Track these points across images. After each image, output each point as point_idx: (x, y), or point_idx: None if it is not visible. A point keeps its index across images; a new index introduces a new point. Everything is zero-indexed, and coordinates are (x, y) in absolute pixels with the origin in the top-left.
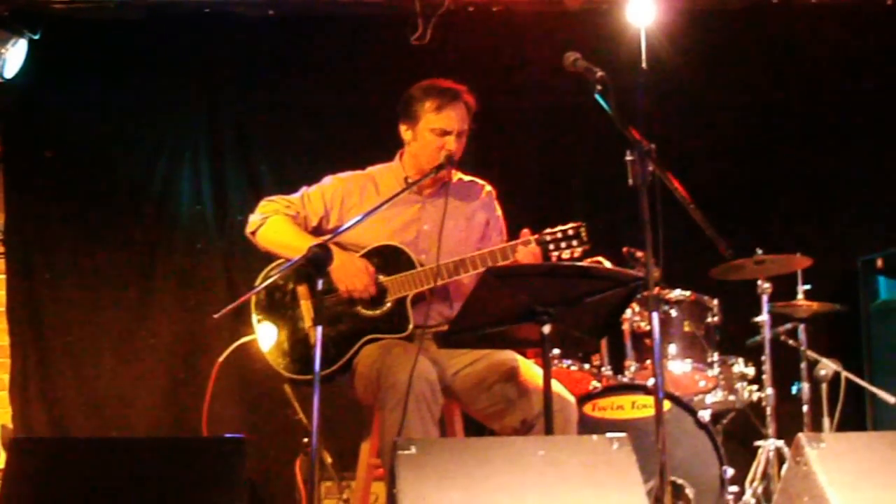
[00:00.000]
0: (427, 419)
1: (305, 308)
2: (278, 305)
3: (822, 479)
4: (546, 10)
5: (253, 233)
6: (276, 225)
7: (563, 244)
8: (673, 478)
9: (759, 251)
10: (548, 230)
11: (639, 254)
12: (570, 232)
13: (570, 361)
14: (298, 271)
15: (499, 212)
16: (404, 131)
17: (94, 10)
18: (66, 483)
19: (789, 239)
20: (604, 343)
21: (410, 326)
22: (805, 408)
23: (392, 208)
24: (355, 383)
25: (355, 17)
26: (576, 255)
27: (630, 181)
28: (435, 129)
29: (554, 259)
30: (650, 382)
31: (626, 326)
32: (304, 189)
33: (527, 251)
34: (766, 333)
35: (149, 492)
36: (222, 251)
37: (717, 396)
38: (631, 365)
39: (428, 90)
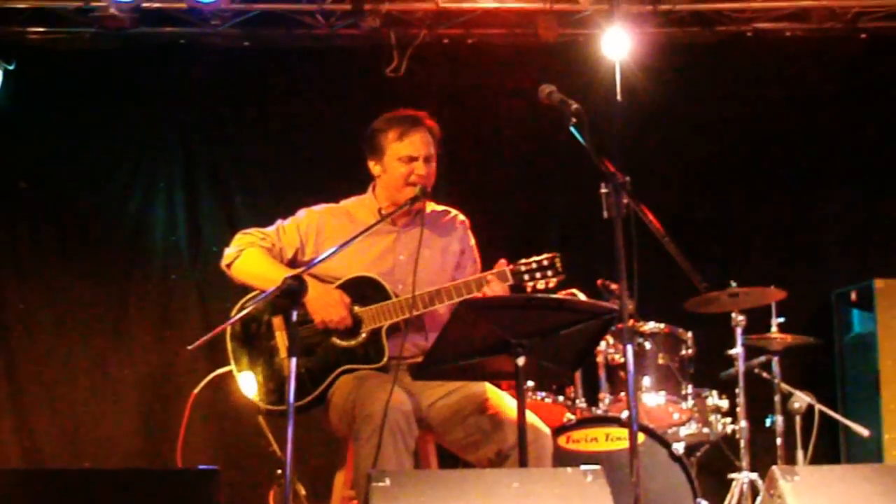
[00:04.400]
0: (401, 450)
1: (280, 339)
2: (254, 337)
3: None
4: (521, 43)
5: (228, 265)
6: (251, 257)
7: (537, 274)
8: None
9: (734, 284)
10: (522, 261)
11: (613, 286)
12: (545, 262)
13: (544, 394)
14: (274, 303)
15: (472, 241)
16: (373, 166)
17: (70, 40)
18: None
19: (763, 272)
20: (578, 375)
21: (385, 357)
22: (779, 440)
23: (367, 239)
24: (330, 414)
25: (331, 49)
26: (550, 285)
27: (605, 213)
28: (402, 156)
29: (529, 289)
30: (624, 415)
31: (600, 359)
32: (279, 222)
33: (498, 283)
34: (740, 366)
35: None
36: (197, 282)
37: (691, 429)
38: (605, 397)
39: (389, 121)
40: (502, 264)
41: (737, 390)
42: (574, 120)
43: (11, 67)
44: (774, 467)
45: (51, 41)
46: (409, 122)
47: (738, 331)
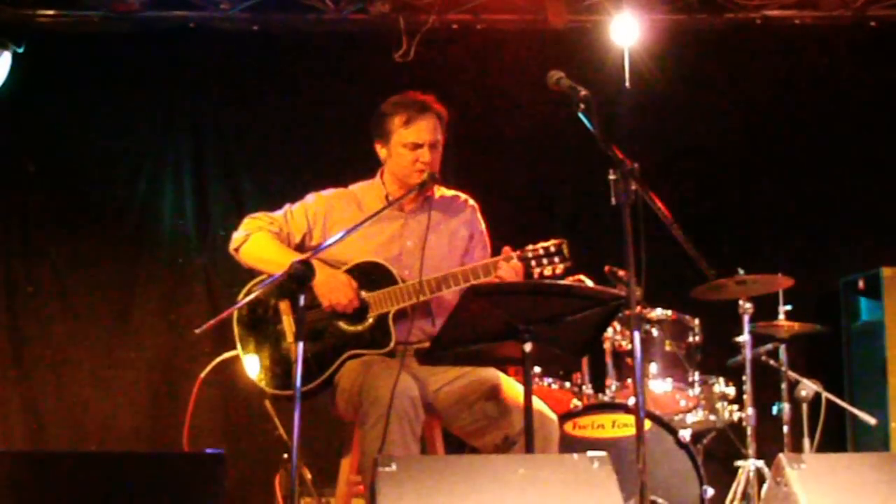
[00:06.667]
0: (408, 436)
1: (287, 324)
2: (260, 321)
3: (803, 500)
4: (530, 29)
5: (236, 249)
6: (259, 241)
7: (544, 260)
8: (653, 497)
9: (741, 271)
10: (529, 246)
11: (621, 272)
12: (552, 248)
13: (551, 380)
14: (281, 287)
15: (482, 226)
16: (379, 149)
17: (79, 23)
18: (46, 497)
19: (771, 259)
20: (585, 362)
21: (392, 342)
22: (786, 428)
23: (375, 225)
24: (337, 399)
25: (340, 34)
26: (557, 271)
27: (613, 200)
28: (407, 143)
29: (536, 275)
30: (631, 401)
31: (607, 345)
32: (287, 206)
33: (509, 267)
34: (748, 353)
35: None
36: (204, 266)
37: (697, 416)
38: (612, 384)
39: (396, 105)
40: (507, 251)
41: (744, 378)
42: (582, 106)
43: (21, 50)
44: (781, 455)
45: (60, 24)
46: (416, 107)
47: (746, 318)
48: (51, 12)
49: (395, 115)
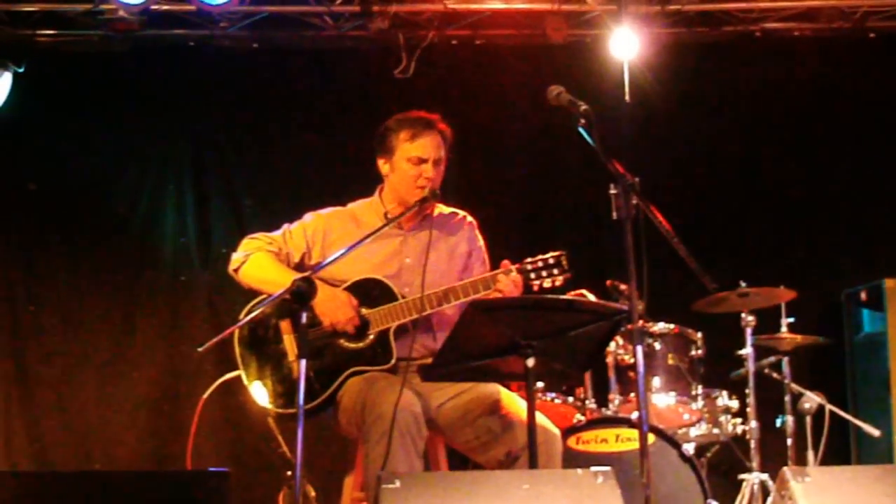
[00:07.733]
0: (411, 452)
1: (289, 342)
2: (262, 340)
3: None
4: (529, 44)
5: (236, 270)
6: (258, 261)
7: (544, 273)
8: None
9: (743, 284)
10: (528, 259)
11: (622, 287)
12: (551, 261)
13: (553, 395)
14: (281, 306)
15: (481, 242)
16: (382, 165)
17: (79, 42)
18: None
19: (773, 272)
20: (588, 376)
21: (394, 359)
22: (789, 441)
23: (373, 243)
24: (339, 416)
25: (339, 51)
26: (557, 283)
27: (614, 214)
28: (411, 157)
29: (535, 288)
30: (634, 415)
31: (610, 359)
32: (285, 226)
33: (508, 280)
34: (750, 366)
35: None
36: (206, 284)
37: (701, 429)
38: (615, 398)
39: (402, 121)
40: (506, 265)
41: (747, 391)
42: (582, 121)
43: (21, 70)
44: (785, 468)
45: (60, 44)
46: (421, 124)
47: (748, 331)
48: (51, 32)
49: (400, 130)
